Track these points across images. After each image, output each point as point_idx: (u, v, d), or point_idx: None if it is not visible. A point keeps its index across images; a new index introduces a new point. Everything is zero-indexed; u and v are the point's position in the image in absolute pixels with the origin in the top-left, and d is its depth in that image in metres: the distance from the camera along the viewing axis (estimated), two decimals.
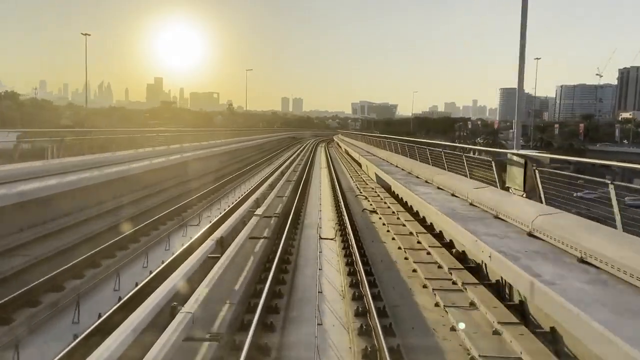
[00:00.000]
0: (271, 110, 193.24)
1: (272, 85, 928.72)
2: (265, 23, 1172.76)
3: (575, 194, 8.68)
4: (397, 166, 22.33)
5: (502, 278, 7.82)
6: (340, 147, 66.76)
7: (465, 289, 7.93)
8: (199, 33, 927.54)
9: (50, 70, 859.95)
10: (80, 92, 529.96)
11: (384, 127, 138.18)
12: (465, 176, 13.63)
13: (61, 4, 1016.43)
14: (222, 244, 9.40)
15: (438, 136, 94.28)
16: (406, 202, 16.26)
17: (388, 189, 20.21)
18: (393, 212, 15.58)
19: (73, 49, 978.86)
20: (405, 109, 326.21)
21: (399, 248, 11.65)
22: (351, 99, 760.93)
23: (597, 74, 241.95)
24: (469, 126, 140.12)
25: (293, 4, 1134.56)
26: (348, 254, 10.89)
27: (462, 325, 6.63)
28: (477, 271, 8.88)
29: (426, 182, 16.05)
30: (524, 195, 9.95)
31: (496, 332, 6.35)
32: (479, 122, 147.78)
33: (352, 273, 9.59)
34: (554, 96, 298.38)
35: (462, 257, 9.67)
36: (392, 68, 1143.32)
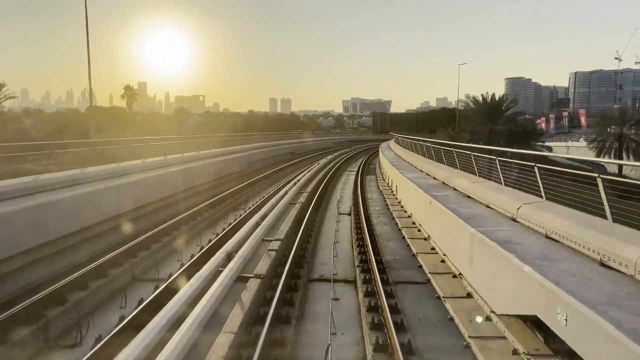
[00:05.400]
0: (249, 110, 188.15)
1: (260, 86, 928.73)
2: (252, 24, 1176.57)
3: None
4: None
5: None
6: None
7: None
8: (183, 35, 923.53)
9: (32, 79, 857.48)
10: (64, 100, 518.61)
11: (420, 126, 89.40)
12: None
13: (40, 11, 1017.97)
14: None
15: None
16: None
17: None
18: None
19: (54, 56, 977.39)
20: (399, 106, 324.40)
21: None
22: (341, 97, 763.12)
23: (616, 58, 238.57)
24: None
25: (277, 3, 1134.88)
26: None
27: None
28: None
29: None
30: None
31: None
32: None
33: None
34: (567, 85, 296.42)
35: None
36: (382, 63, 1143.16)
